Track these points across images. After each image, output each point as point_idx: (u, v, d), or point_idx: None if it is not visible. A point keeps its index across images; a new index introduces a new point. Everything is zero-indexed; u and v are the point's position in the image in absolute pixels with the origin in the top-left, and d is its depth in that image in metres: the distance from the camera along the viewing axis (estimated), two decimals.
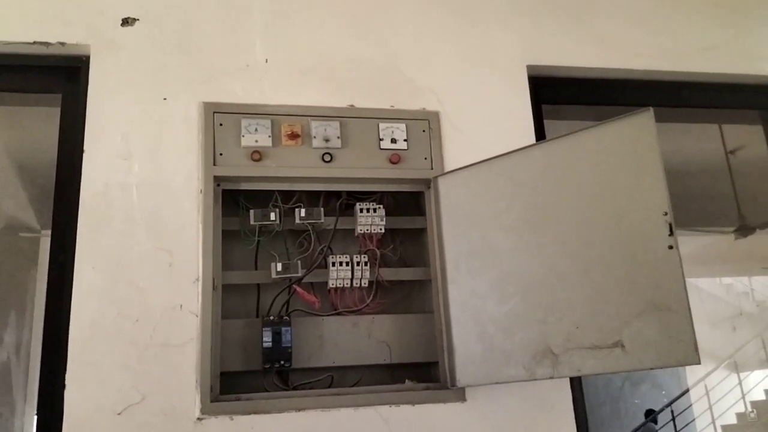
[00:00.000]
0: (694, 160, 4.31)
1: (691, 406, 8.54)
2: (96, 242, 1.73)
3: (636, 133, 1.55)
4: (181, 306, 1.71)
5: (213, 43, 1.94)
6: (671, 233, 1.46)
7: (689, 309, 1.43)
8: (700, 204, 4.89)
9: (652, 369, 1.51)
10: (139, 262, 1.73)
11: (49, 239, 1.82)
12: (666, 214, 1.47)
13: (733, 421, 8.91)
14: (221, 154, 1.83)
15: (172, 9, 1.96)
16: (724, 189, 4.71)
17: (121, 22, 1.91)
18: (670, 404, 8.27)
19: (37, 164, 3.51)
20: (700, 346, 1.42)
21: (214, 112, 1.86)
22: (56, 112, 1.92)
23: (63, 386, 1.63)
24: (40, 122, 2.99)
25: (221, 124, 1.85)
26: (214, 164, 1.82)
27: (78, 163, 1.79)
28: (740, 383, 9.10)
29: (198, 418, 1.65)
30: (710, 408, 8.66)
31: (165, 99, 1.86)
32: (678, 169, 4.20)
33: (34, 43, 1.87)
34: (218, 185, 1.83)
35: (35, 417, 1.72)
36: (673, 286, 1.45)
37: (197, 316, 1.71)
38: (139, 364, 1.66)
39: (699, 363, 1.40)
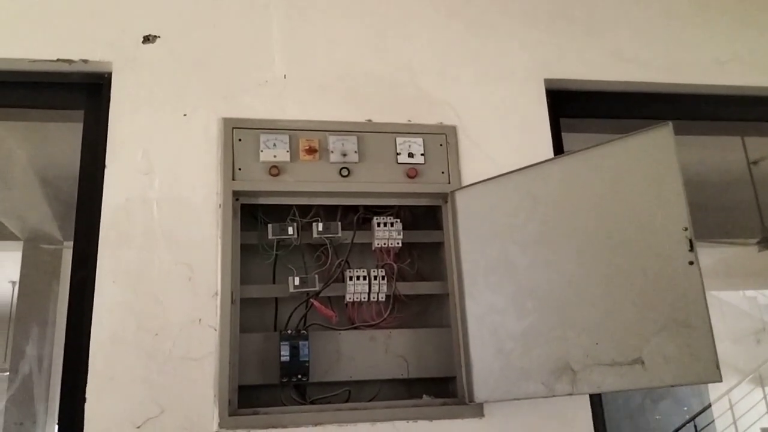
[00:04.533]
0: (717, 170, 4.26)
1: (713, 421, 8.39)
2: (117, 256, 1.75)
3: (655, 147, 1.54)
4: (200, 320, 1.72)
5: (232, 60, 1.97)
6: (691, 249, 1.45)
7: (710, 326, 1.41)
8: (722, 215, 4.83)
9: (672, 386, 1.49)
10: (159, 276, 1.74)
11: (71, 251, 1.84)
12: (686, 229, 1.46)
13: None
14: (240, 169, 1.85)
15: (192, 26, 1.99)
16: (747, 200, 4.65)
17: (142, 39, 1.95)
18: (692, 419, 8.13)
19: (59, 178, 3.57)
20: (723, 360, 1.39)
21: (233, 128, 1.88)
22: (78, 127, 1.95)
23: (83, 399, 1.64)
24: (62, 137, 3.05)
25: (240, 140, 1.87)
26: (233, 179, 1.83)
27: (100, 178, 1.82)
28: (765, 397, 8.92)
29: None
30: (734, 423, 8.50)
31: (185, 115, 1.89)
32: (700, 179, 4.16)
33: (58, 60, 1.91)
34: (237, 200, 1.85)
35: (56, 428, 1.73)
36: (693, 303, 1.43)
37: (216, 329, 1.72)
38: (159, 378, 1.67)
39: (720, 380, 1.37)
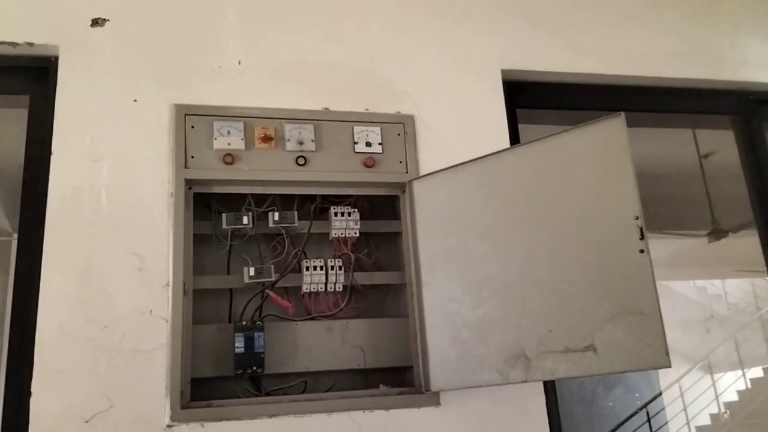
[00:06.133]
0: (670, 164, 4.36)
1: (664, 409, 8.63)
2: (64, 246, 1.69)
3: (607, 137, 1.56)
4: (151, 311, 1.68)
5: (185, 45, 1.92)
6: (642, 237, 1.47)
7: (660, 313, 1.43)
8: (674, 207, 4.95)
9: (623, 372, 1.51)
10: (108, 266, 1.70)
11: None
12: (637, 218, 1.48)
13: (707, 422, 9.03)
14: (193, 157, 1.81)
15: (143, 10, 1.93)
16: (698, 193, 4.77)
17: (90, 22, 1.88)
18: (644, 406, 8.35)
19: (6, 166, 3.44)
20: (674, 348, 1.43)
21: (185, 114, 1.83)
22: (24, 113, 1.88)
23: (29, 393, 1.59)
24: (7, 124, 2.94)
25: (193, 127, 1.83)
26: (186, 167, 1.79)
27: (46, 166, 1.76)
28: (714, 384, 9.23)
29: (168, 425, 1.62)
30: (685, 409, 8.76)
31: (135, 101, 1.83)
32: (653, 173, 4.25)
33: (1, 43, 1.84)
34: (189, 188, 1.81)
35: (0, 424, 1.67)
36: (644, 290, 1.46)
37: (167, 321, 1.68)
38: (108, 371, 1.63)
39: (669, 366, 1.41)
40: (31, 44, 1.85)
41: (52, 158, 1.76)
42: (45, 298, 1.66)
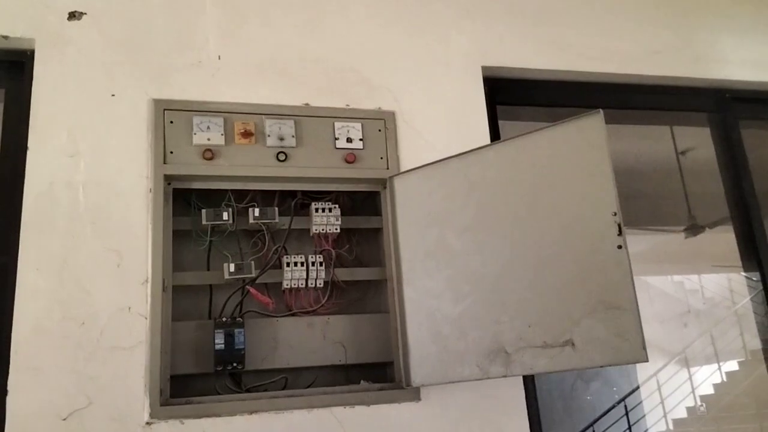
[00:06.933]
0: (648, 160, 4.40)
1: (641, 402, 8.73)
2: (40, 242, 1.67)
3: (586, 134, 1.57)
4: (129, 308, 1.67)
5: (164, 39, 1.90)
6: (620, 233, 1.49)
7: (637, 308, 1.45)
8: (652, 203, 5.00)
9: (601, 367, 1.53)
10: (86, 262, 1.68)
11: None
12: (615, 214, 1.50)
13: (684, 415, 9.16)
14: (172, 153, 1.79)
15: (121, 3, 1.91)
16: (676, 189, 4.82)
17: (67, 15, 1.86)
18: (622, 400, 8.44)
19: None
20: (651, 342, 1.44)
21: (164, 110, 1.82)
22: (0, 108, 1.85)
23: (5, 392, 1.57)
24: None
25: (172, 122, 1.81)
26: (165, 162, 1.78)
27: (22, 161, 1.73)
28: (690, 378, 9.35)
29: (147, 423, 1.61)
30: (662, 402, 8.87)
31: (113, 95, 1.81)
32: (631, 169, 4.29)
33: None
34: (169, 184, 1.79)
35: None
36: (622, 286, 1.47)
37: (146, 318, 1.67)
38: (86, 368, 1.61)
39: (647, 361, 1.42)
40: (6, 37, 1.82)
41: (29, 153, 1.73)
42: (21, 295, 1.63)
